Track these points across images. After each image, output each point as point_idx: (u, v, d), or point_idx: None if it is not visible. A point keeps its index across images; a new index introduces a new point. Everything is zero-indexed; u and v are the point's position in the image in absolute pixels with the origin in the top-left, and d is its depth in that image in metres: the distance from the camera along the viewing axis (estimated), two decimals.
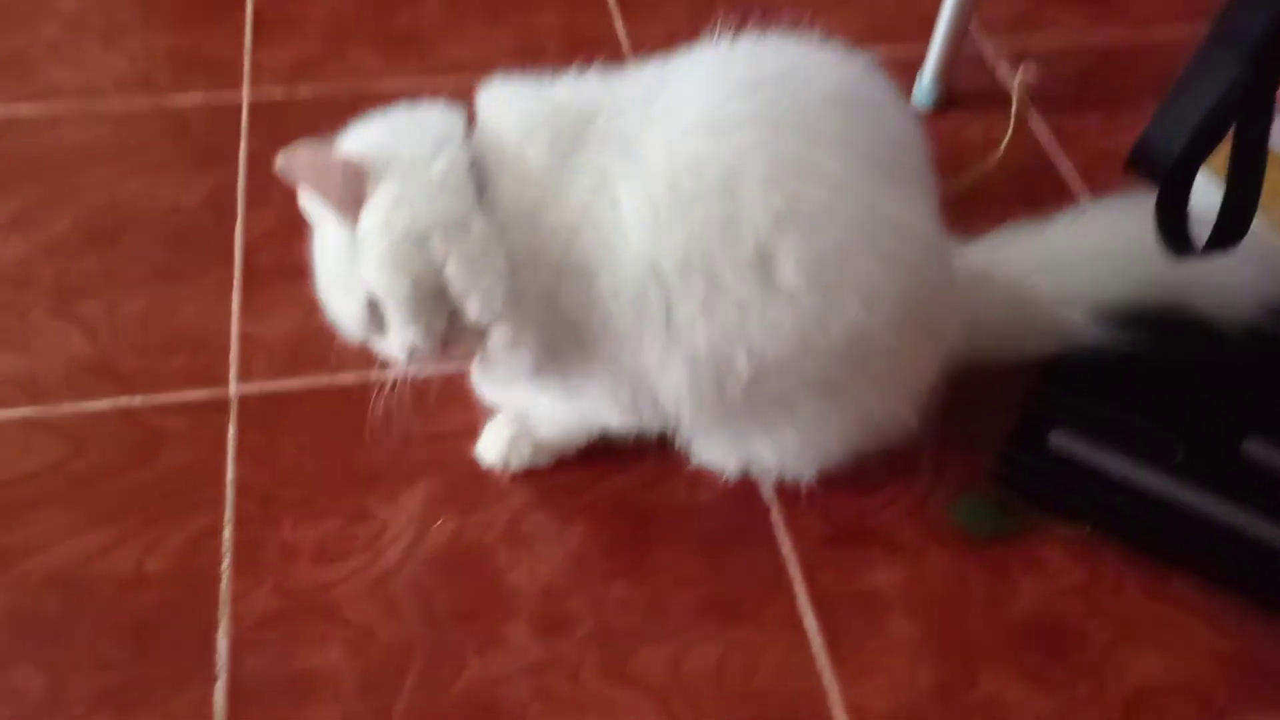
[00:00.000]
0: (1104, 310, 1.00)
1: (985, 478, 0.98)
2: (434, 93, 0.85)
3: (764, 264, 0.77)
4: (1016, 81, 1.27)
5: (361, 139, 0.80)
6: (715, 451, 0.95)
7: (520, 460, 0.96)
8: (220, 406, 1.01)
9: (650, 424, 0.90)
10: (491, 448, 0.96)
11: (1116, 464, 0.95)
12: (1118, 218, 1.08)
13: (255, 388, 1.03)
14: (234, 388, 1.03)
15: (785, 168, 0.77)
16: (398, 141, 0.79)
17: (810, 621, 0.89)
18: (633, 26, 1.43)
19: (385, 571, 0.90)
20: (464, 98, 0.86)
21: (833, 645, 0.88)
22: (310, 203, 0.80)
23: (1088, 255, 1.05)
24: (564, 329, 0.81)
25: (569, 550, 0.93)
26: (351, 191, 0.76)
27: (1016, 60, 1.33)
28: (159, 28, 1.39)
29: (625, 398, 0.85)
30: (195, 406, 1.01)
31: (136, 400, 1.01)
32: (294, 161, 0.77)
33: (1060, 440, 0.98)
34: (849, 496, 0.97)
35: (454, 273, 0.77)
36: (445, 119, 0.81)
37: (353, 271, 0.78)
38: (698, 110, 0.79)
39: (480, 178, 0.78)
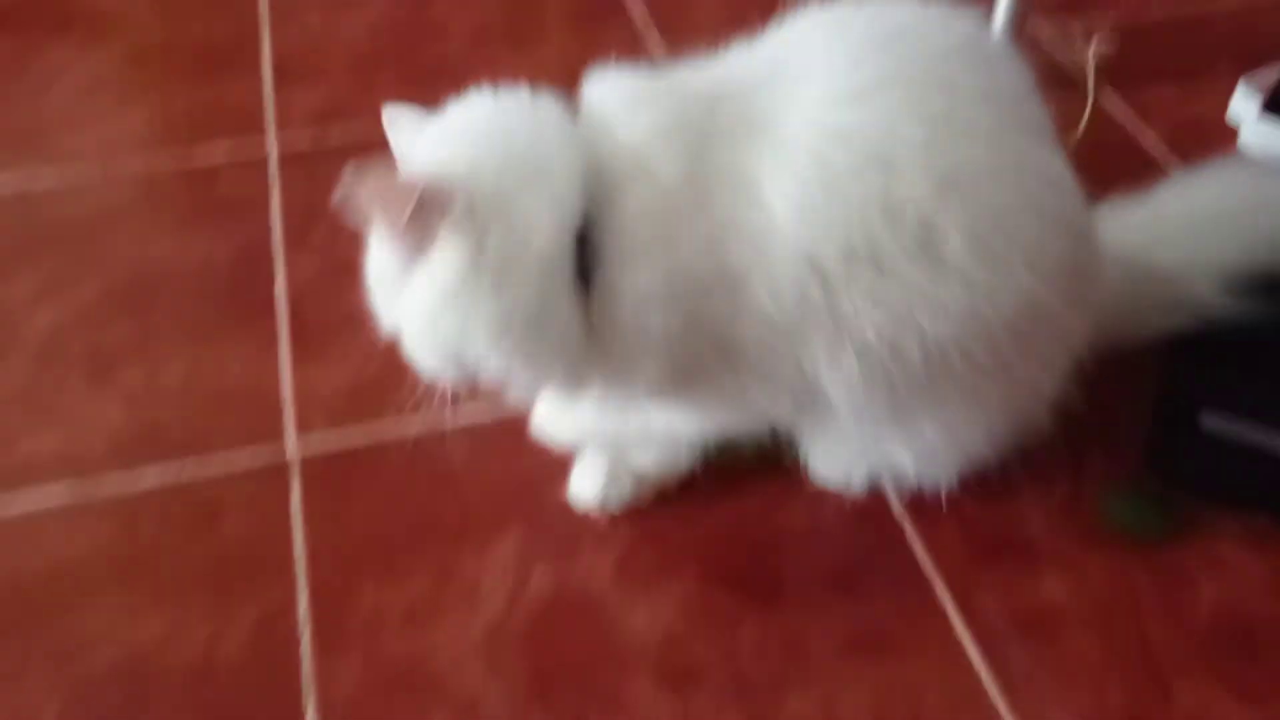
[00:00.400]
0: (1230, 277, 0.92)
1: (1133, 471, 0.88)
2: None
3: (929, 238, 0.69)
4: (1091, 55, 1.19)
5: (448, 147, 0.70)
6: (837, 464, 0.85)
7: (620, 497, 0.86)
8: (279, 469, 0.91)
9: (796, 419, 0.81)
10: (587, 487, 0.87)
11: None
12: (1226, 181, 1.01)
13: (316, 445, 0.93)
14: (293, 447, 0.93)
15: (938, 128, 0.69)
16: (491, 159, 0.69)
17: (972, 649, 0.79)
18: (666, 38, 1.36)
19: (485, 633, 0.80)
20: None
21: (1002, 674, 0.77)
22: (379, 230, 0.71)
23: (1203, 221, 0.96)
24: (705, 345, 0.72)
25: (687, 591, 0.83)
26: (423, 225, 0.67)
27: (1084, 36, 1.24)
28: (174, 85, 1.32)
29: (771, 401, 0.76)
30: (252, 472, 0.91)
31: (187, 470, 0.91)
32: (358, 188, 0.66)
33: (1213, 422, 0.88)
34: (987, 505, 0.87)
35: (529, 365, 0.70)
36: (553, 128, 0.71)
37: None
38: (830, 78, 0.71)
39: (597, 197, 0.69)
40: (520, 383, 0.73)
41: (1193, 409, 0.89)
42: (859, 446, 0.82)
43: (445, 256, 0.68)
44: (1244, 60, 1.27)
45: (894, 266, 0.69)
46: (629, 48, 1.36)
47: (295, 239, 1.11)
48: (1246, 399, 0.87)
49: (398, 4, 1.43)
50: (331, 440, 0.93)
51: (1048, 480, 0.88)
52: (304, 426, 0.94)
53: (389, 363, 0.98)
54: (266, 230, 1.12)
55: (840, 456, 0.84)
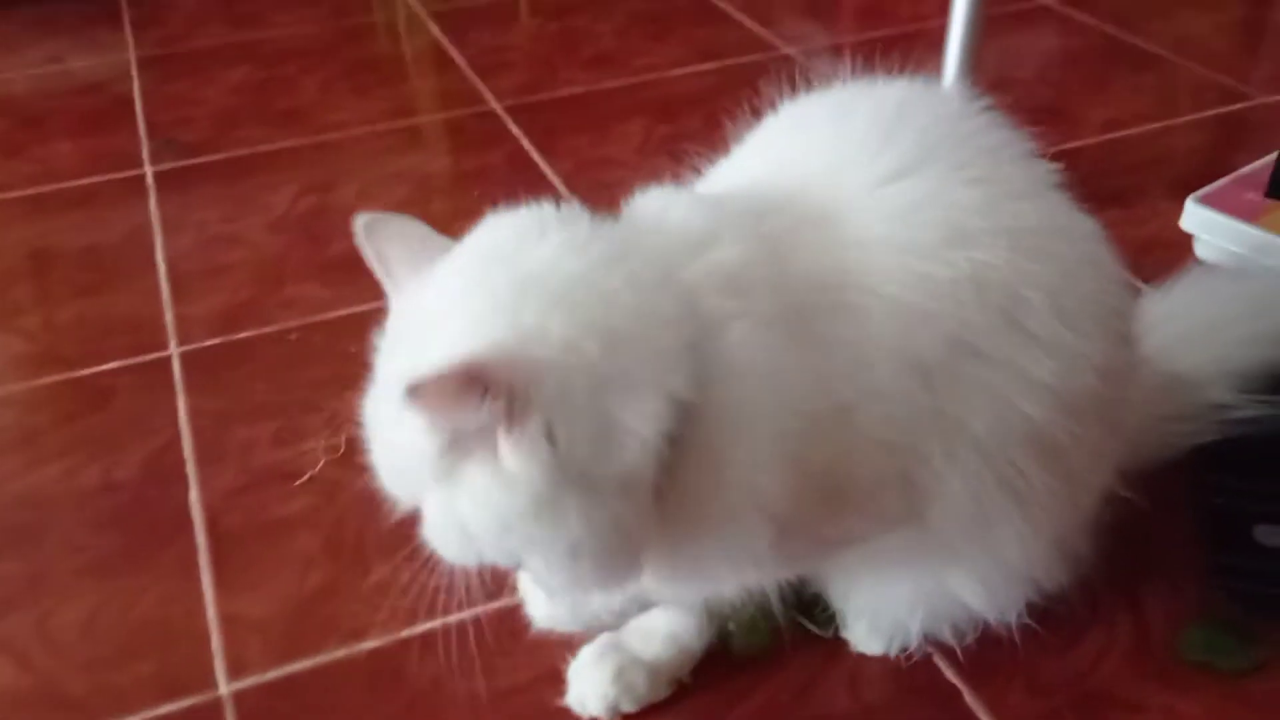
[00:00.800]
0: (1244, 378, 0.87)
1: (1198, 598, 0.78)
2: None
3: (1014, 307, 0.62)
4: None
5: (520, 304, 0.55)
6: (878, 627, 0.74)
7: (634, 698, 0.72)
8: (213, 711, 0.75)
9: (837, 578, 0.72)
10: (592, 691, 0.72)
11: None
12: (1209, 289, 0.97)
13: (253, 681, 0.77)
14: (225, 687, 0.77)
15: (989, 190, 0.63)
16: (590, 331, 0.54)
17: None
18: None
19: None
20: None
21: None
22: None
23: (1202, 327, 0.92)
24: (813, 496, 0.60)
25: None
26: (495, 415, 0.53)
27: None
28: (57, 302, 1.19)
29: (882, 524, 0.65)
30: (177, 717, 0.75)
31: None
32: (428, 395, 0.52)
33: (1267, 535, 0.80)
34: (1048, 658, 0.76)
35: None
36: (645, 268, 0.57)
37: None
38: (866, 162, 0.64)
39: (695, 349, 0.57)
40: (573, 584, 0.61)
41: (1246, 525, 0.81)
42: (911, 595, 0.71)
43: (521, 460, 0.53)
44: (1171, 178, 1.27)
45: (988, 347, 0.62)
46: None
47: (207, 450, 0.97)
48: None
49: (300, 200, 1.35)
50: (271, 674, 0.78)
51: (1108, 620, 0.78)
52: (235, 660, 0.79)
53: (332, 575, 0.85)
54: (174, 442, 0.98)
55: (883, 616, 0.73)
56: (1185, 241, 1.16)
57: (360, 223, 0.61)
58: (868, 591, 0.72)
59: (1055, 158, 1.26)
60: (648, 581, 0.63)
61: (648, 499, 0.57)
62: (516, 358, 0.53)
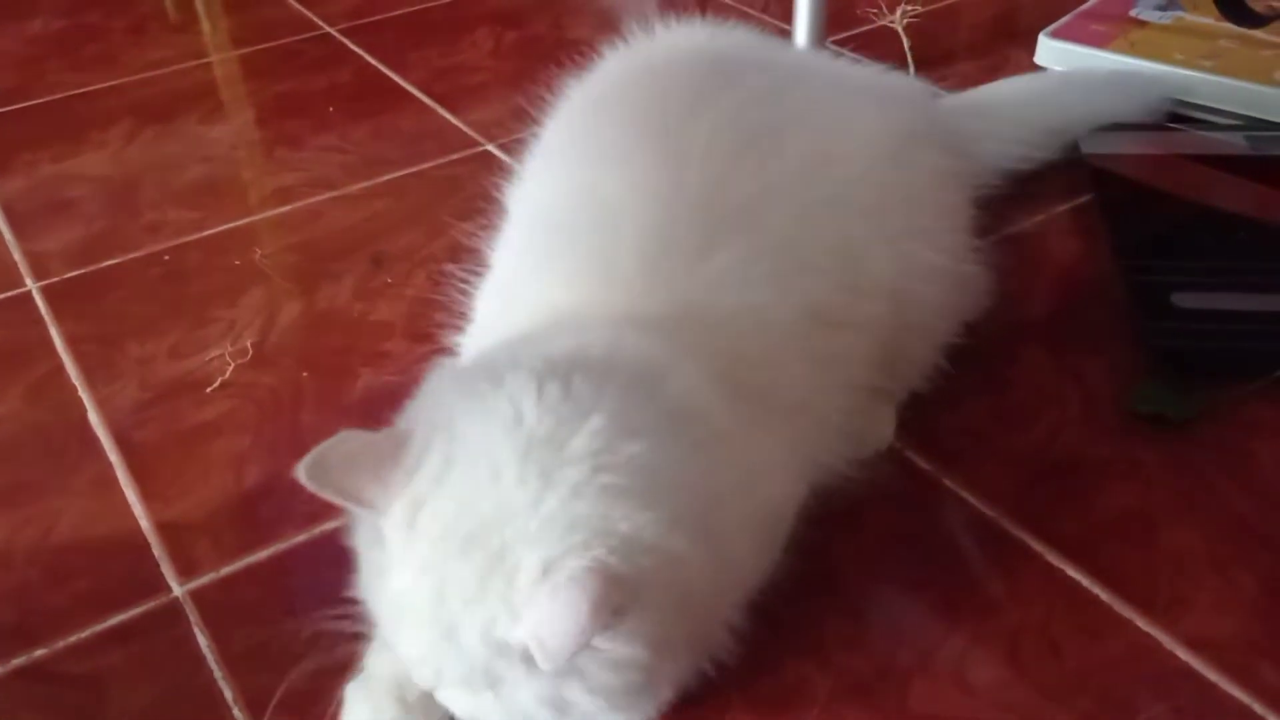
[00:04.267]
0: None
1: (1134, 369, 0.82)
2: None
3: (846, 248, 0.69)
4: (900, 22, 1.20)
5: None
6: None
7: None
8: (171, 613, 0.69)
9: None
10: None
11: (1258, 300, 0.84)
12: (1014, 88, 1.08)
13: (209, 578, 0.72)
14: (179, 589, 0.71)
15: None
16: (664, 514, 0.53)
17: (1075, 572, 0.68)
18: (416, 79, 1.25)
19: None
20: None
21: (1119, 586, 0.67)
22: None
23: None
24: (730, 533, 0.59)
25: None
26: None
27: (889, 6, 1.24)
28: None
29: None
30: (135, 628, 0.69)
31: (39, 653, 0.67)
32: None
33: (1184, 300, 0.85)
34: (1010, 437, 0.78)
35: None
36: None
37: None
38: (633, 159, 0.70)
39: None
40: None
41: (1165, 293, 0.86)
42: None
43: (627, 646, 0.52)
44: (1013, 30, 1.32)
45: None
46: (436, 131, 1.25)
47: (98, 372, 0.89)
48: (1203, 272, 0.86)
49: (139, 132, 1.25)
50: (230, 568, 0.72)
51: (1057, 397, 0.81)
52: (184, 562, 0.73)
53: (271, 470, 0.79)
54: (58, 370, 0.90)
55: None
56: None
57: (303, 473, 0.55)
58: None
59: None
60: None
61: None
62: (621, 575, 0.50)
